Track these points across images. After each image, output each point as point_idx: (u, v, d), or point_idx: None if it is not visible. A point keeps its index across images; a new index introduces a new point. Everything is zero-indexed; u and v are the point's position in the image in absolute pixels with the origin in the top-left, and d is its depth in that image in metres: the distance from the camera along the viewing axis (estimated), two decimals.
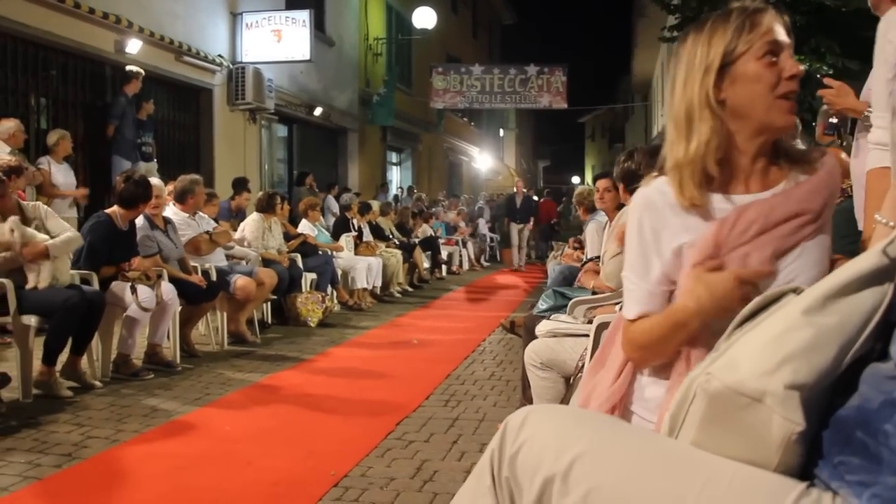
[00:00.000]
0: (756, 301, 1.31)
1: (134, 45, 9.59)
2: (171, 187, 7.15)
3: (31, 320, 4.71)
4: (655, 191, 1.70)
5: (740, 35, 1.61)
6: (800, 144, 1.74)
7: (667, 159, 1.70)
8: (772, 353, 1.18)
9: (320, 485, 3.31)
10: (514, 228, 16.63)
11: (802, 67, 1.64)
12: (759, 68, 1.60)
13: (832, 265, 1.63)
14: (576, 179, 47.67)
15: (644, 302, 1.70)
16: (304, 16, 12.36)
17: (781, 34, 1.62)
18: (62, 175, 7.78)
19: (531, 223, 17.11)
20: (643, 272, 1.71)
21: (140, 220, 6.01)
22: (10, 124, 7.09)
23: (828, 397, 1.19)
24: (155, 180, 6.27)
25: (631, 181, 4.07)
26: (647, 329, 1.67)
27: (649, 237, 1.69)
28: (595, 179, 5.62)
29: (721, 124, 1.63)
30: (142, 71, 9.32)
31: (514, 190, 17.47)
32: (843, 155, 3.62)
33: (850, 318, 1.18)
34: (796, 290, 1.28)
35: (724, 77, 1.63)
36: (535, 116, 41.19)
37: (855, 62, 9.16)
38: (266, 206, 8.20)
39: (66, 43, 8.76)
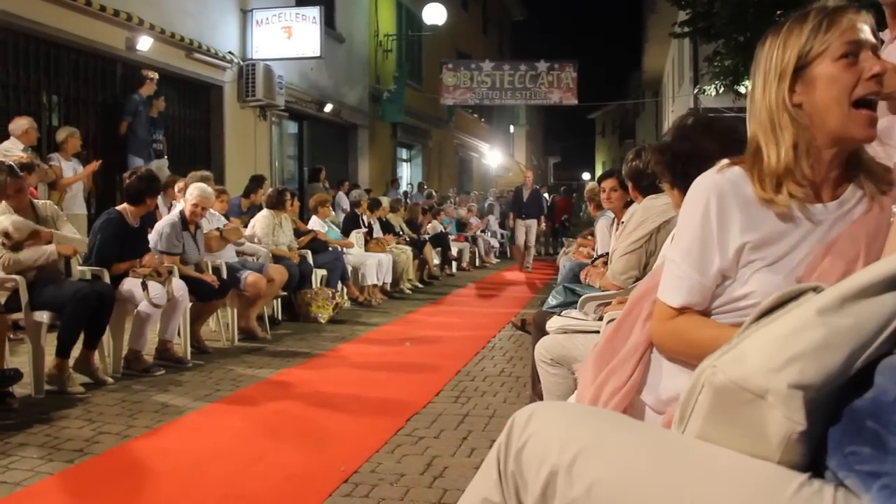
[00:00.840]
0: (775, 297, 1.29)
1: (145, 43, 9.62)
2: (181, 184, 7.19)
3: (44, 316, 4.75)
4: (727, 181, 1.64)
5: (816, 35, 1.55)
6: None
7: (756, 165, 1.63)
8: (780, 350, 1.17)
9: (331, 480, 3.31)
10: (521, 225, 15.12)
11: (883, 67, 1.55)
12: (836, 70, 1.54)
13: None
14: (586, 176, 47.57)
15: (694, 294, 1.66)
16: (314, 12, 12.37)
17: (864, 33, 1.55)
18: (71, 172, 7.83)
19: (541, 220, 15.85)
20: (699, 264, 1.64)
21: (173, 217, 6.07)
22: (23, 122, 7.13)
23: (838, 397, 1.17)
24: (206, 188, 6.31)
25: (640, 179, 4.06)
26: (707, 336, 1.61)
27: (714, 228, 1.62)
28: (600, 180, 5.56)
29: (804, 129, 1.58)
30: (156, 75, 9.36)
31: (523, 182, 15.85)
32: None
33: (867, 321, 1.16)
34: (816, 289, 1.26)
35: (799, 80, 1.58)
36: (546, 113, 41.17)
37: None
38: (276, 203, 8.21)
39: (77, 40, 8.80)
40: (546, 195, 21.75)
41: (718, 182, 1.65)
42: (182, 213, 6.17)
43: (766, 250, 1.60)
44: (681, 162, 2.41)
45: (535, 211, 15.24)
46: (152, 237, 5.99)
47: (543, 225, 16.69)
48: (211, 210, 7.14)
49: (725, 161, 1.69)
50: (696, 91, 15.72)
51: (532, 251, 15.48)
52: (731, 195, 1.62)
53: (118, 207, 5.70)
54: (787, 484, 1.16)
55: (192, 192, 6.22)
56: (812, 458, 1.19)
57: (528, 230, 15.08)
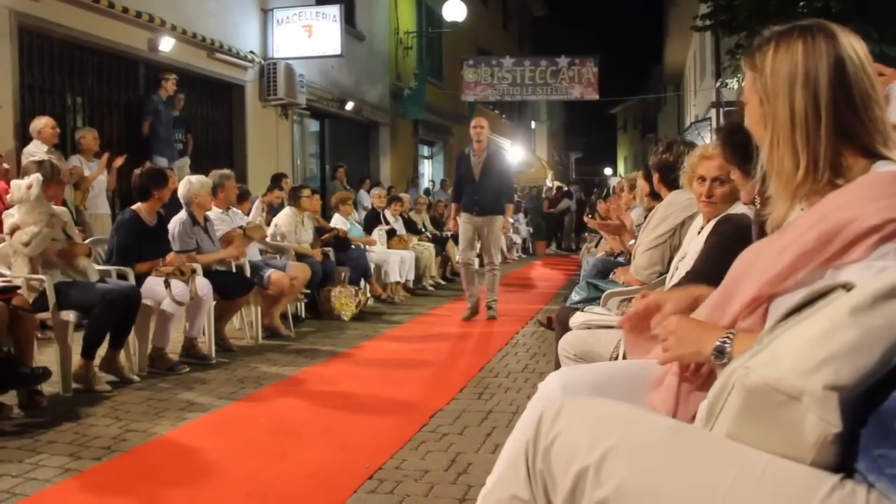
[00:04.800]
0: (804, 294, 1.28)
1: (167, 43, 9.69)
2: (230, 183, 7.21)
3: (70, 316, 4.80)
4: None
5: None
6: None
7: None
8: (814, 351, 1.15)
9: (355, 477, 3.32)
10: (466, 224, 8.09)
11: None
12: None
13: None
14: (608, 171, 47.33)
15: None
16: (334, 10, 12.40)
17: None
18: (91, 173, 7.93)
19: (508, 215, 8.29)
20: None
21: (182, 215, 6.11)
22: (38, 122, 7.23)
23: (870, 393, 1.16)
24: (191, 179, 6.34)
25: (668, 173, 4.04)
26: None
27: None
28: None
29: None
30: (174, 75, 9.42)
31: (471, 148, 8.13)
32: None
33: None
34: (846, 286, 1.25)
35: None
36: (567, 108, 40.98)
37: (893, 48, 8.97)
38: (291, 199, 8.24)
39: (100, 42, 8.88)
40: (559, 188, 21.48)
41: None
42: (190, 210, 6.21)
43: None
44: (753, 143, 2.44)
45: (493, 198, 8.05)
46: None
47: (508, 224, 10.70)
48: (234, 209, 7.18)
49: None
50: (718, 84, 15.57)
51: (495, 278, 8.27)
52: None
53: (133, 207, 5.74)
54: (820, 486, 1.14)
55: (189, 187, 6.26)
56: (843, 458, 1.17)
57: (480, 234, 8.16)
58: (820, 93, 1.44)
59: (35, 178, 4.82)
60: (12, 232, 4.81)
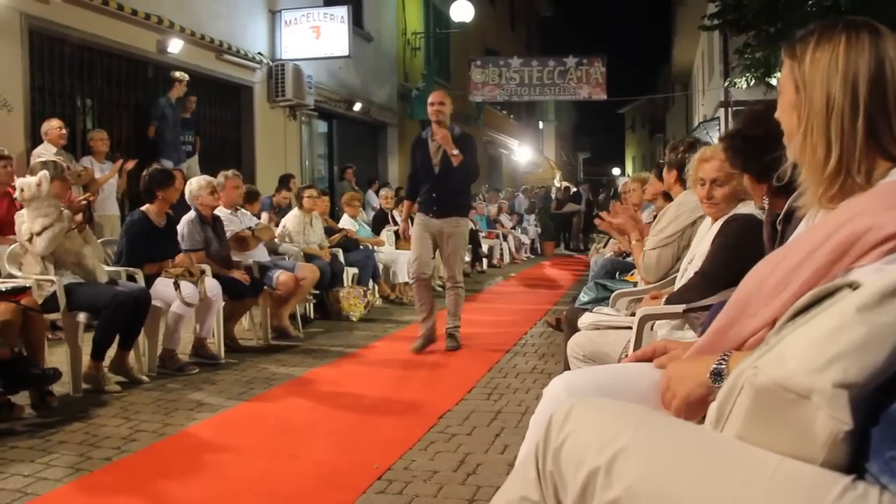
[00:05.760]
0: (810, 294, 1.27)
1: (176, 45, 9.73)
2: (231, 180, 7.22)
3: (81, 317, 4.82)
4: None
5: None
6: None
7: None
8: (822, 349, 1.15)
9: (364, 478, 3.32)
10: (424, 229, 6.34)
11: None
12: None
13: None
14: (616, 171, 47.28)
15: None
16: (342, 12, 12.42)
17: None
18: (102, 174, 7.96)
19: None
20: None
21: (191, 214, 6.13)
22: (47, 124, 7.27)
23: (881, 394, 1.15)
24: (199, 179, 6.35)
25: (685, 172, 4.04)
26: None
27: None
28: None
29: None
30: (186, 76, 9.45)
31: (429, 131, 6.44)
32: None
33: None
34: (853, 285, 1.23)
35: None
36: (575, 108, 40.99)
37: None
38: (297, 200, 8.24)
39: (109, 44, 8.92)
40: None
41: None
42: (198, 209, 6.23)
43: None
44: (752, 145, 2.47)
45: (457, 195, 6.43)
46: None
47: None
48: (242, 209, 7.19)
49: None
50: (726, 84, 15.54)
51: (458, 298, 6.59)
52: None
53: (142, 208, 5.75)
54: (831, 487, 1.14)
55: (190, 188, 6.28)
56: (854, 458, 1.17)
57: (438, 241, 6.40)
58: (859, 87, 1.43)
59: (43, 174, 4.85)
60: (30, 238, 4.82)
